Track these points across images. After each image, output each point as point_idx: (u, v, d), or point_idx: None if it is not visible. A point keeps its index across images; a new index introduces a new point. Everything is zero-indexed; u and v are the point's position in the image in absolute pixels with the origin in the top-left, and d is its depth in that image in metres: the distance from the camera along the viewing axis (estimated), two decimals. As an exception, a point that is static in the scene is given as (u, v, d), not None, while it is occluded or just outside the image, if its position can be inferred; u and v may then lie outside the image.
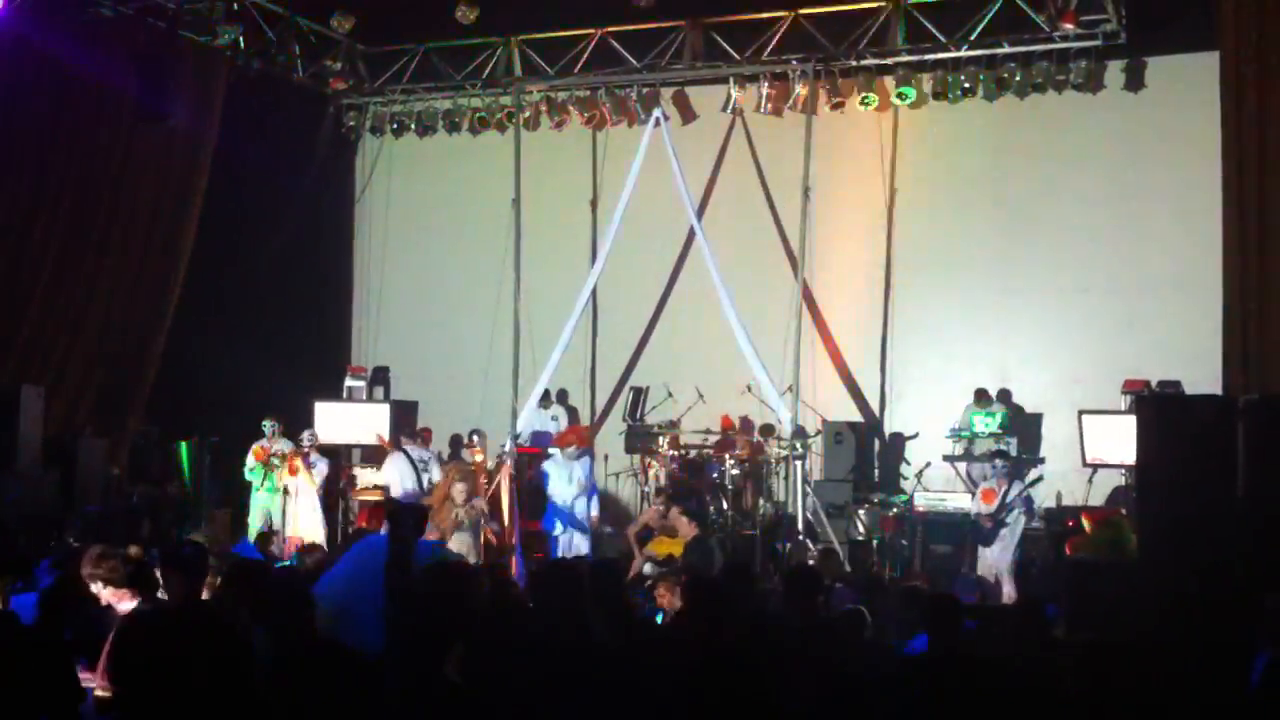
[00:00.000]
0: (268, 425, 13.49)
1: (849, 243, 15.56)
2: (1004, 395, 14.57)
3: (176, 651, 5.03)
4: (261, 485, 13.38)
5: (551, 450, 13.48)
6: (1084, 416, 13.42)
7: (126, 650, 5.14)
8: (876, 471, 14.98)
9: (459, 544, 10.51)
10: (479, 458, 13.46)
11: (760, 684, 5.11)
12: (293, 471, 13.36)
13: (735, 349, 14.20)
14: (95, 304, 14.19)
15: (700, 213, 14.94)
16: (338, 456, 14.74)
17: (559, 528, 12.66)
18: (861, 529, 13.74)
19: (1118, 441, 12.70)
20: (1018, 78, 14.37)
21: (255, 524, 13.26)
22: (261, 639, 5.29)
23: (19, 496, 11.61)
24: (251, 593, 5.66)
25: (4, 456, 11.98)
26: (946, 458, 14.30)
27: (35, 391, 12.76)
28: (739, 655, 5.36)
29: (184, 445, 14.42)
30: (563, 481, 12.69)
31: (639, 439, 14.93)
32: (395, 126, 16.93)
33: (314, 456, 13.57)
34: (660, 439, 14.65)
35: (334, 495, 14.32)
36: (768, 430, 14.57)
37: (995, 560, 12.15)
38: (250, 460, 13.48)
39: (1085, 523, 12.30)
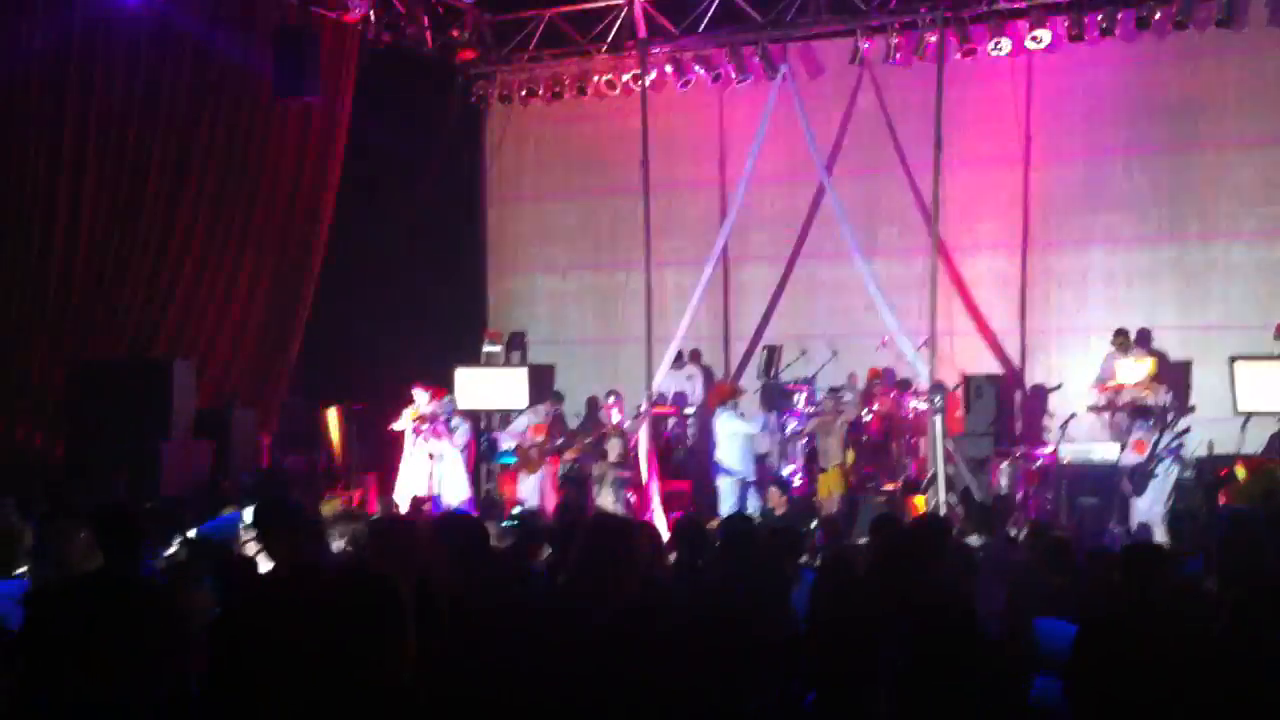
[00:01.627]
0: (420, 393, 13.81)
1: (983, 193, 15.26)
2: (1144, 337, 14.15)
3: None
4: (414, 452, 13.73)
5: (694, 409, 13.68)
6: (1236, 363, 13.02)
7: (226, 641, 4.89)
8: (1018, 424, 14.72)
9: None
10: (616, 418, 13.62)
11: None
12: (437, 435, 13.67)
13: (869, 304, 14.10)
14: (241, 277, 14.61)
15: (829, 167, 14.79)
16: (478, 421, 14.98)
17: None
18: (1004, 483, 13.51)
19: (1272, 388, 12.37)
20: (1157, 15, 13.91)
21: (407, 489, 13.62)
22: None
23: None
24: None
25: (159, 428, 12.41)
26: (1091, 408, 13.98)
27: (186, 365, 13.21)
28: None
29: (331, 413, 14.79)
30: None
31: (774, 397, 14.90)
32: (523, 93, 17.05)
33: (455, 420, 13.85)
34: (795, 396, 14.63)
35: (475, 459, 14.61)
36: (905, 385, 14.42)
37: (1147, 511, 11.90)
38: (408, 413, 13.80)
39: (1239, 471, 11.99)
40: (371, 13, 15.05)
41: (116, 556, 5.05)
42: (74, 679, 4.71)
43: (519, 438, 13.89)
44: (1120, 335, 13.92)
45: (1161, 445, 12.00)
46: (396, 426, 13.81)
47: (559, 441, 13.84)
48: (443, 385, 14.59)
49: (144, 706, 4.80)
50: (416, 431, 13.57)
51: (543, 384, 15.50)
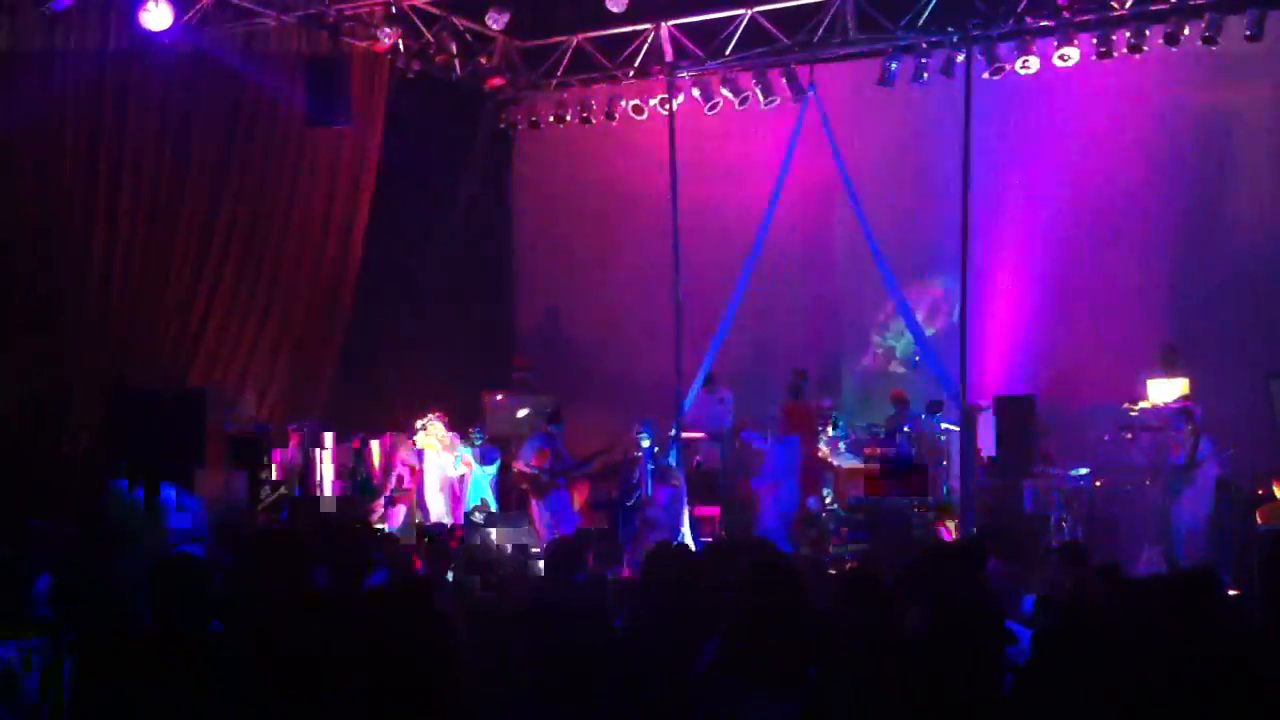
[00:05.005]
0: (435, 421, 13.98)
1: (1014, 210, 15.20)
2: (1177, 355, 13.95)
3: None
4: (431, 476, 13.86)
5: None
6: (1273, 381, 12.91)
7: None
8: (1050, 445, 14.59)
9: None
10: (646, 444, 13.62)
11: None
12: (467, 464, 13.77)
13: (899, 323, 14.04)
14: (274, 304, 14.75)
15: (857, 186, 14.71)
16: (506, 448, 15.02)
17: None
18: (1034, 504, 13.42)
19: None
20: (1185, 31, 13.82)
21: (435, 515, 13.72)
22: None
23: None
24: None
25: (194, 457, 12.52)
26: (1123, 428, 13.85)
27: (221, 391, 13.38)
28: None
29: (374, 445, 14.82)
30: None
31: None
32: (551, 119, 17.12)
33: (486, 448, 13.98)
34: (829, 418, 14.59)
35: (505, 486, 14.66)
36: (935, 407, 14.34)
37: (1189, 520, 11.83)
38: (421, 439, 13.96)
39: (1277, 490, 11.88)
40: (401, 42, 15.17)
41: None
42: None
43: (525, 464, 13.97)
44: (1167, 352, 13.79)
45: (1202, 453, 11.94)
46: (419, 443, 13.94)
47: (560, 467, 13.88)
48: (471, 411, 14.69)
49: None
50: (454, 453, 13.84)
51: (565, 409, 15.49)
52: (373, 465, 14.70)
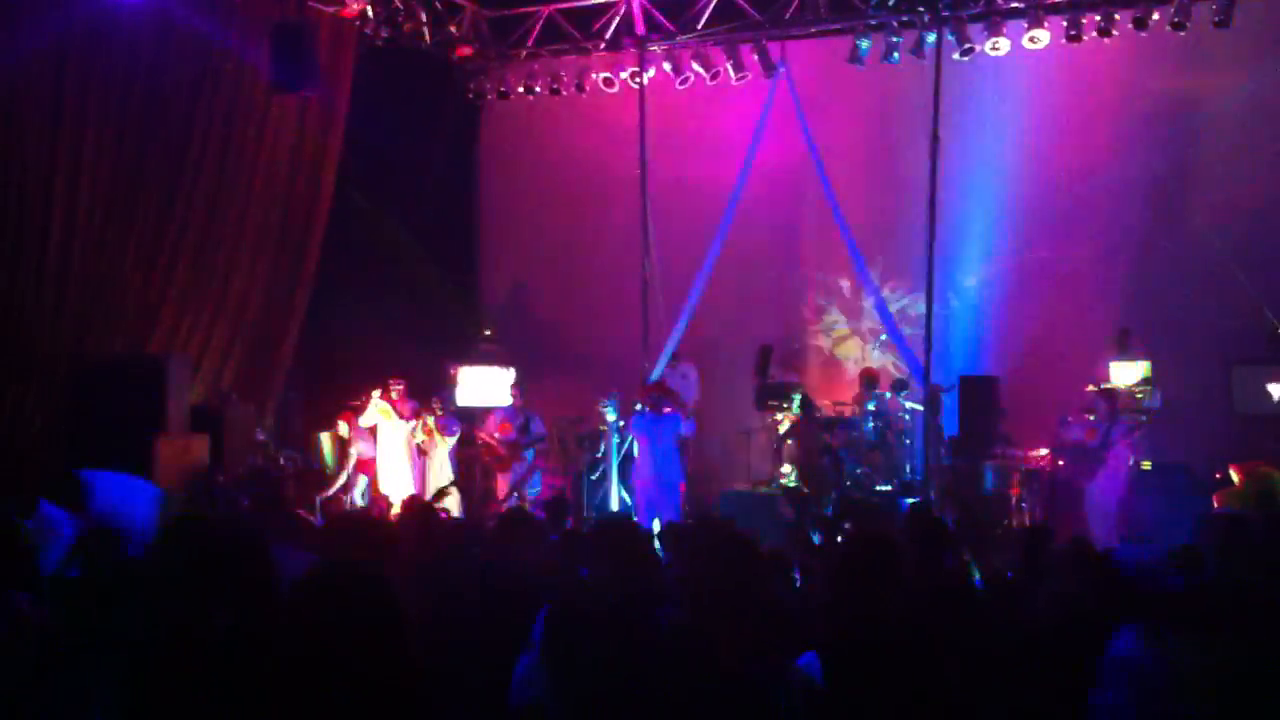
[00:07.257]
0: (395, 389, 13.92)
1: (981, 190, 15.26)
2: (1138, 339, 14.07)
3: None
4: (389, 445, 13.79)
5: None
6: (1235, 367, 13.07)
7: None
8: (1011, 425, 14.70)
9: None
10: (611, 417, 13.62)
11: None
12: (428, 433, 13.68)
13: (865, 303, 14.07)
14: (237, 272, 14.59)
15: (826, 164, 14.73)
16: (471, 420, 14.98)
17: None
18: (995, 485, 13.52)
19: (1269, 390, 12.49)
20: (1154, 17, 13.90)
21: (394, 485, 13.63)
22: None
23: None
24: None
25: (155, 423, 12.43)
26: (1084, 409, 13.96)
27: (182, 359, 13.26)
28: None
29: (324, 437, 14.67)
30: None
31: (768, 396, 14.88)
32: (520, 90, 17.01)
33: (447, 418, 13.91)
34: (792, 394, 14.60)
35: (465, 459, 14.60)
36: (900, 386, 14.41)
37: (1100, 499, 11.99)
38: (375, 409, 13.86)
39: (1233, 474, 12.03)
40: (370, 8, 15.02)
41: None
42: None
43: (488, 435, 13.93)
44: (1121, 335, 13.91)
45: (1115, 433, 12.07)
46: (365, 421, 13.84)
47: (524, 439, 13.82)
48: (439, 382, 14.63)
49: None
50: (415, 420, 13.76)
51: (528, 381, 15.45)
52: (323, 458, 14.59)
